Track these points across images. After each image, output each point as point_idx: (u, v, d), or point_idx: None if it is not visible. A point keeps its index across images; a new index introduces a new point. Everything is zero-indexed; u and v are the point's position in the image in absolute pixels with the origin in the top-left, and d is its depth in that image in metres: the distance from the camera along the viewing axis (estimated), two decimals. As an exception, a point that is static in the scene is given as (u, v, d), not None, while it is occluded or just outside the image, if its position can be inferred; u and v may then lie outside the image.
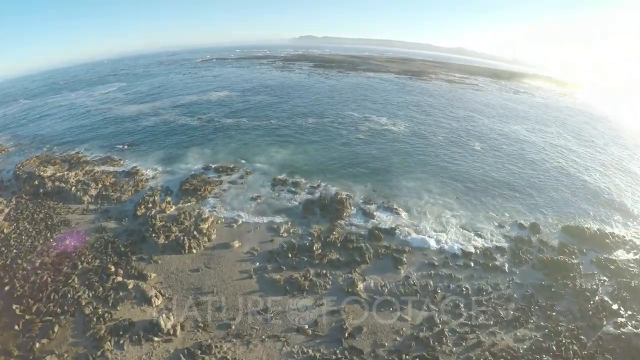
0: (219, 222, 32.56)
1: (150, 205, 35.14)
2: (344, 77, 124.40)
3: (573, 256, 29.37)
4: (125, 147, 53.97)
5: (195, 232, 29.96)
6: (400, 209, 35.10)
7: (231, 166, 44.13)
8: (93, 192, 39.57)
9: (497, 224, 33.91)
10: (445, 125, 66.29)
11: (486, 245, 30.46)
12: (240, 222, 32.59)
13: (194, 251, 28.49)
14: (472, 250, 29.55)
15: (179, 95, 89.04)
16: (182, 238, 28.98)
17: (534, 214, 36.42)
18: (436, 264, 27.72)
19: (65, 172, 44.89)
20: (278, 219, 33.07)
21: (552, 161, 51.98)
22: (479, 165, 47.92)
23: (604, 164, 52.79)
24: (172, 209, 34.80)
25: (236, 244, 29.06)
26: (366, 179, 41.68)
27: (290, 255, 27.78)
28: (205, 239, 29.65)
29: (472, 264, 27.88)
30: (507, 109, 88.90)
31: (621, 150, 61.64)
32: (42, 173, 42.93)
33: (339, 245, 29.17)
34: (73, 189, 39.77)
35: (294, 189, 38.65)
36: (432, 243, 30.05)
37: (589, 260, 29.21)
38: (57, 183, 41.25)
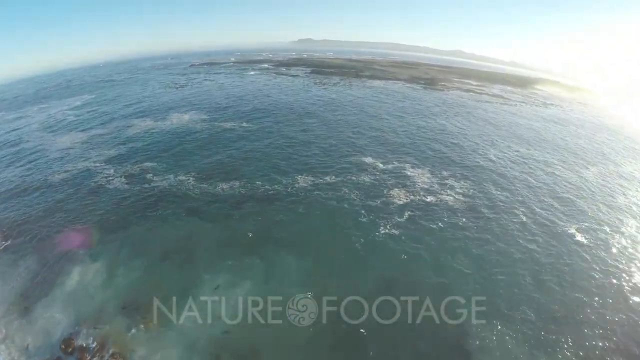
0: None
1: None
2: (348, 87, 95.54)
3: None
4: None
5: None
6: None
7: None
8: None
9: None
10: (508, 192, 37.91)
11: None
12: None
13: None
14: None
15: (134, 117, 61.53)
16: None
17: None
18: None
19: None
20: None
21: None
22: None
23: None
24: None
25: None
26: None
27: None
28: None
29: None
30: (555, 136, 63.42)
31: None
32: None
33: None
34: None
35: None
36: None
37: None
38: None
